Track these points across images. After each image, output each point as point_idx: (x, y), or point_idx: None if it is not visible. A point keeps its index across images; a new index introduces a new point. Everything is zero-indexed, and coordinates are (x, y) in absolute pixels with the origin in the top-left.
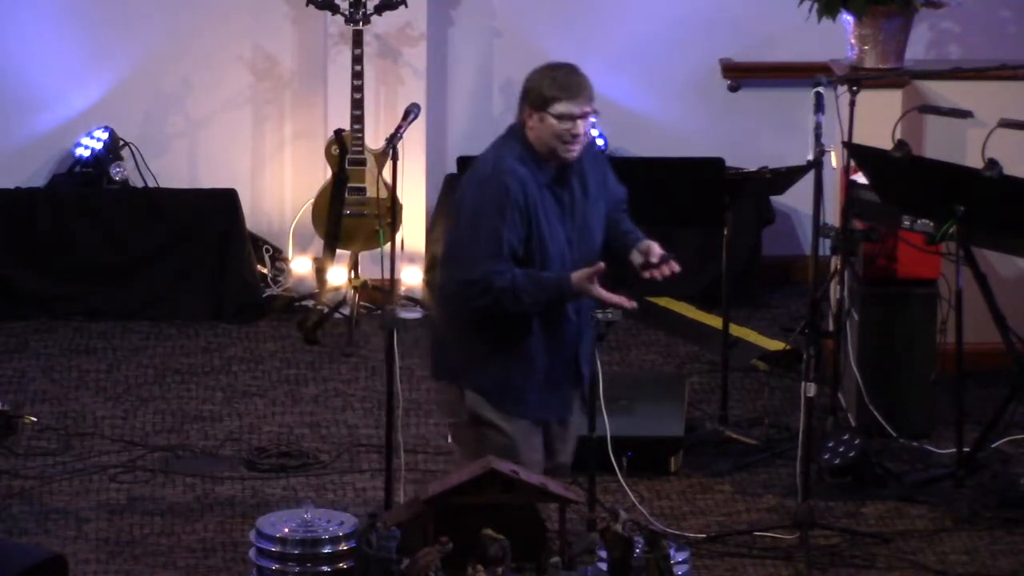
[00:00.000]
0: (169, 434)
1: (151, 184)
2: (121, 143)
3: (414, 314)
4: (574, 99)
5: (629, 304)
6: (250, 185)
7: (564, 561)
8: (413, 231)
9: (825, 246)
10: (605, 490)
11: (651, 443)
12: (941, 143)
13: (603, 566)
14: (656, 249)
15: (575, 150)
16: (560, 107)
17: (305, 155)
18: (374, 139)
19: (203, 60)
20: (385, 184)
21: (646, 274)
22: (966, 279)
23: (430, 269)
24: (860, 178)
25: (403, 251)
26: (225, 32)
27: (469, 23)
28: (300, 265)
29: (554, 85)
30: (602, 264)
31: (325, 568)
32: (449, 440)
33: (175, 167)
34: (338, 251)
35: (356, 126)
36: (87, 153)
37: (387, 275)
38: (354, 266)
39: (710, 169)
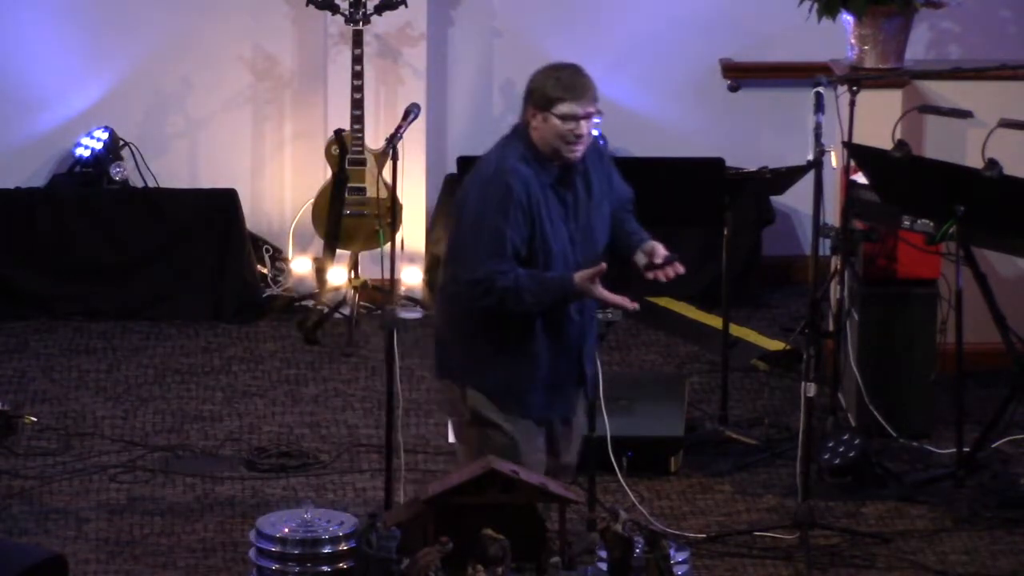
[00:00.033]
0: (169, 434)
1: (151, 184)
2: (121, 143)
3: (414, 314)
4: (578, 99)
5: (631, 305)
6: (250, 185)
7: (564, 561)
8: (413, 231)
9: (825, 246)
10: (605, 490)
11: (651, 443)
12: (941, 143)
13: (603, 566)
14: (660, 250)
15: (579, 150)
16: (564, 107)
17: (305, 155)
18: (374, 139)
19: (203, 60)
20: (385, 184)
21: (650, 275)
22: (966, 279)
23: (430, 269)
24: (860, 178)
25: (403, 251)
26: (225, 32)
27: (469, 23)
28: (300, 265)
29: (558, 85)
30: (604, 265)
31: (325, 568)
32: (450, 439)
33: (175, 167)
34: (338, 251)
35: (356, 126)
36: (87, 153)
37: (387, 275)
38: (354, 266)
39: (710, 169)
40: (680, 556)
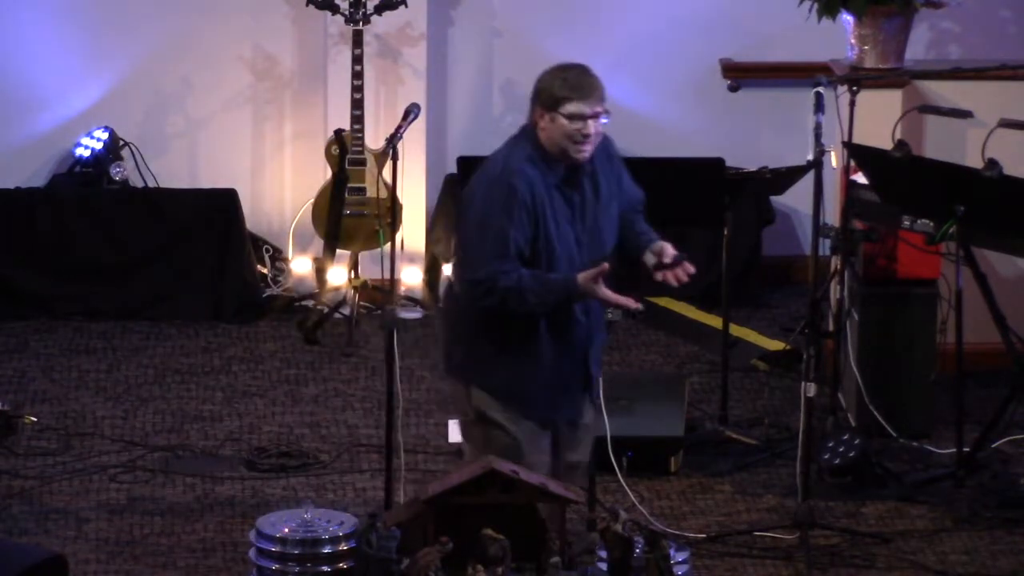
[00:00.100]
0: (169, 434)
1: (151, 184)
2: (121, 143)
3: (414, 314)
4: (585, 99)
5: (635, 305)
6: (250, 185)
7: (564, 561)
8: (413, 231)
9: (825, 246)
10: (605, 490)
11: (651, 443)
12: (941, 143)
13: (603, 566)
14: (669, 250)
15: (586, 150)
16: (571, 107)
17: (305, 155)
18: (374, 139)
19: (203, 60)
20: (385, 184)
21: (659, 276)
22: (966, 279)
23: (430, 269)
24: (860, 178)
25: (403, 251)
26: (225, 32)
27: (469, 23)
28: (300, 265)
29: (565, 85)
30: (607, 265)
31: (325, 568)
32: (450, 439)
33: (175, 167)
34: (338, 251)
35: (356, 126)
36: (87, 153)
37: (387, 275)
38: (354, 266)
39: (710, 169)
40: (680, 556)
